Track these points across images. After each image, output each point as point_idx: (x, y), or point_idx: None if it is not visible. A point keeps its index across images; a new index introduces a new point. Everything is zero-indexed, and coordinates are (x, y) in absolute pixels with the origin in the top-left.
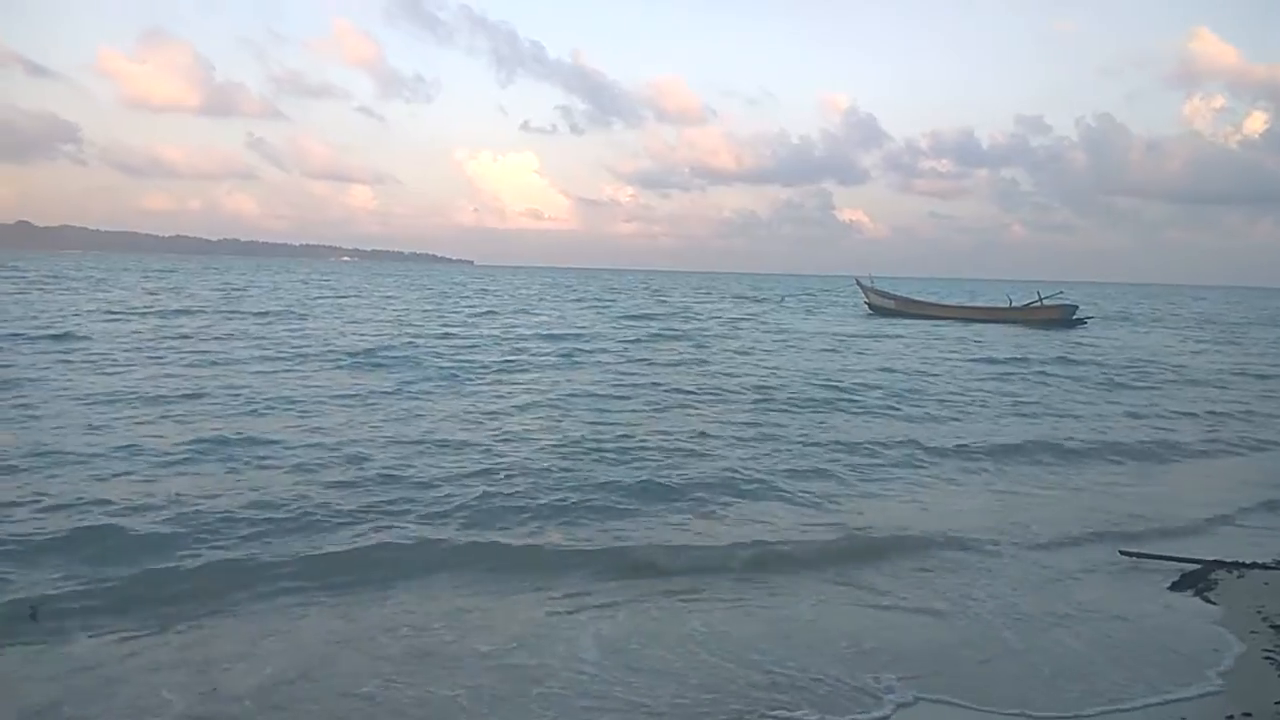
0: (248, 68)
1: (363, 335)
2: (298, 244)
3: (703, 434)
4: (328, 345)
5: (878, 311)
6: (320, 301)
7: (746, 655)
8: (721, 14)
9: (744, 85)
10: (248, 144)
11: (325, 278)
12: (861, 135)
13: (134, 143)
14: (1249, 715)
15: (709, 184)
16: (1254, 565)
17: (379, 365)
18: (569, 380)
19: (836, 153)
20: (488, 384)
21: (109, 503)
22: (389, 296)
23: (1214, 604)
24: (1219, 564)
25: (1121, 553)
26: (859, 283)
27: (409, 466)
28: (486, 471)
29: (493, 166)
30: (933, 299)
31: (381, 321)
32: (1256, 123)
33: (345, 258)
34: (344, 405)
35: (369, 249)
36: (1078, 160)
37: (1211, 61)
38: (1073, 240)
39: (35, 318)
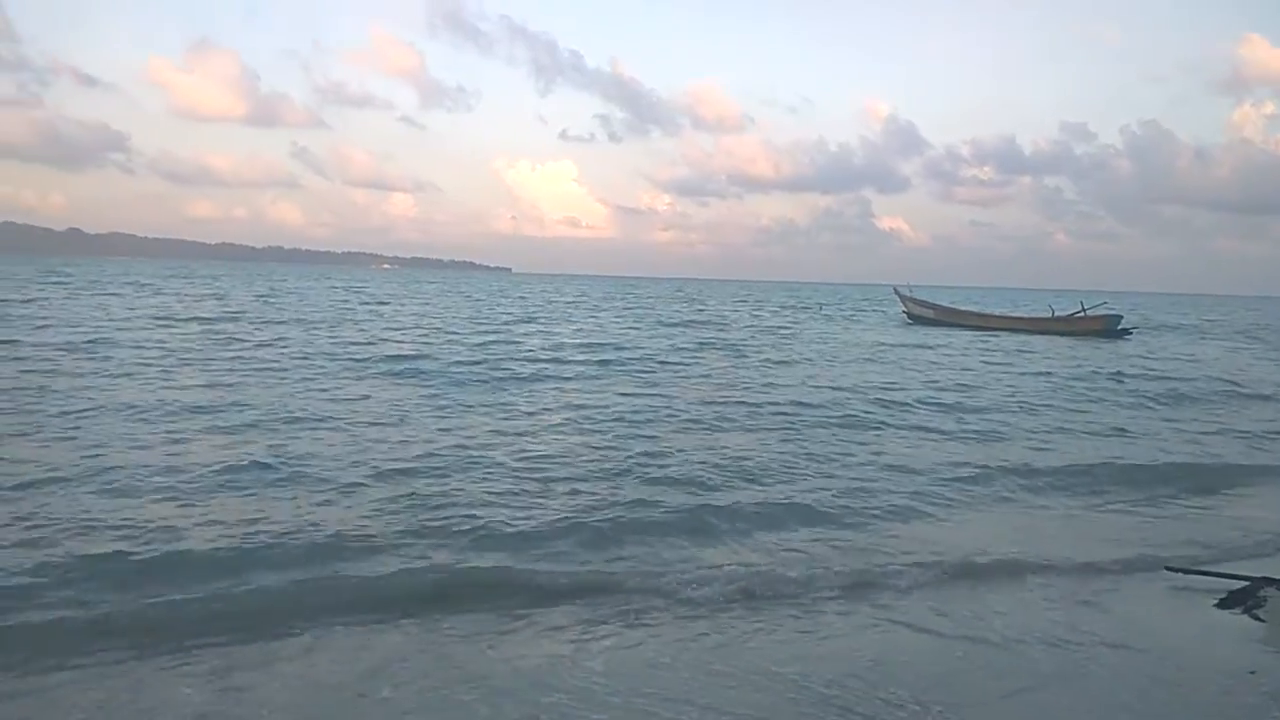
0: (292, 78)
1: (403, 343)
2: (340, 251)
3: (744, 453)
4: (368, 354)
5: (916, 320)
6: (360, 308)
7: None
8: (761, 21)
9: (783, 93)
10: (291, 153)
11: (365, 285)
12: (901, 142)
13: (181, 152)
14: None
15: (747, 192)
16: None
17: (418, 374)
18: (608, 392)
19: (876, 160)
20: (527, 395)
21: (149, 523)
22: (428, 304)
23: (1262, 621)
24: (1269, 581)
25: (1167, 569)
26: (897, 291)
27: (447, 482)
28: (529, 492)
29: (531, 175)
30: (973, 308)
31: (421, 329)
32: None
33: (385, 265)
34: (383, 417)
35: (409, 256)
36: (1123, 167)
37: (1262, 67)
38: (1118, 249)
39: (78, 325)
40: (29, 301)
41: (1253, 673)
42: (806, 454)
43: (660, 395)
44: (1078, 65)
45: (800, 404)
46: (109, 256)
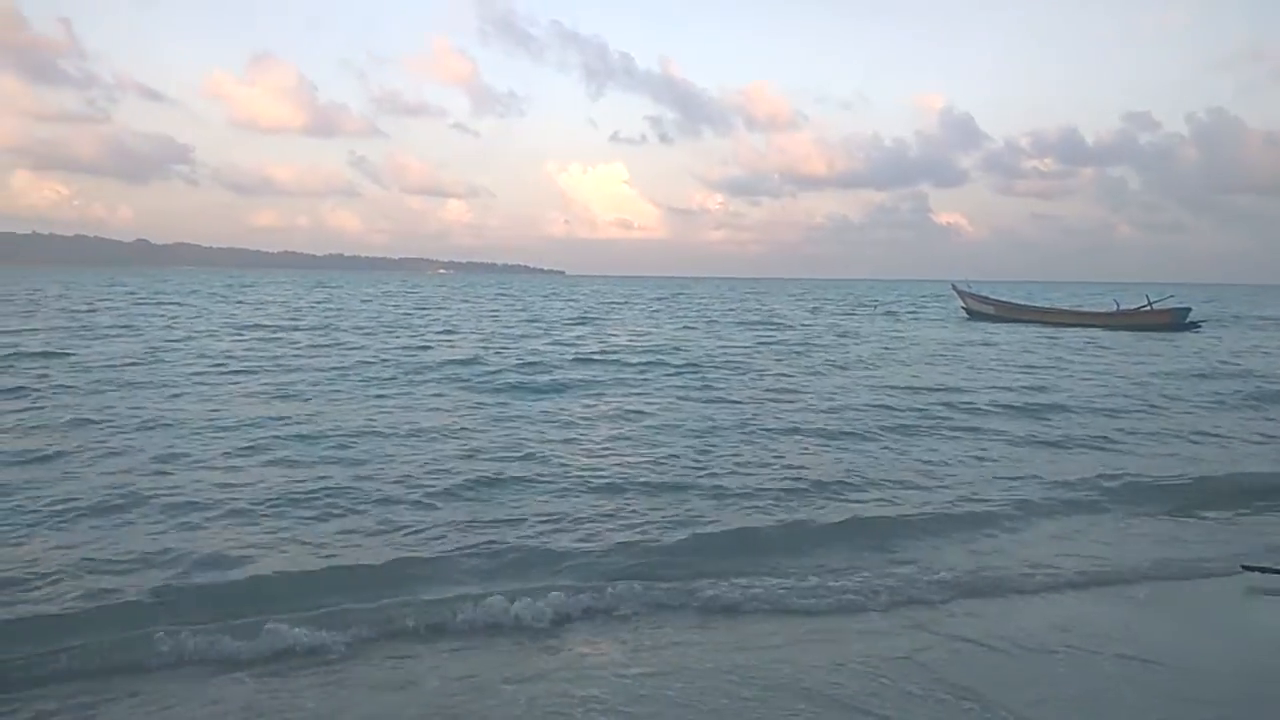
0: (349, 88)
1: (462, 349)
2: (396, 257)
3: (842, 461)
4: (429, 359)
5: (976, 316)
6: (421, 313)
7: None
8: (813, 17)
9: (837, 89)
10: (349, 162)
11: (421, 289)
12: (959, 136)
13: (243, 163)
14: None
15: (799, 190)
16: None
17: (481, 381)
18: (671, 397)
19: (932, 154)
20: (588, 401)
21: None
22: (490, 308)
23: None
24: None
25: (1244, 567)
26: (955, 288)
27: (514, 497)
28: (594, 506)
29: (583, 178)
30: (1034, 303)
31: (481, 334)
32: None
33: (441, 270)
34: (446, 427)
35: (463, 261)
36: (1189, 156)
37: None
38: (1185, 240)
39: (139, 332)
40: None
41: None
42: (906, 461)
43: (728, 401)
44: (1141, 52)
45: (881, 407)
46: (176, 266)
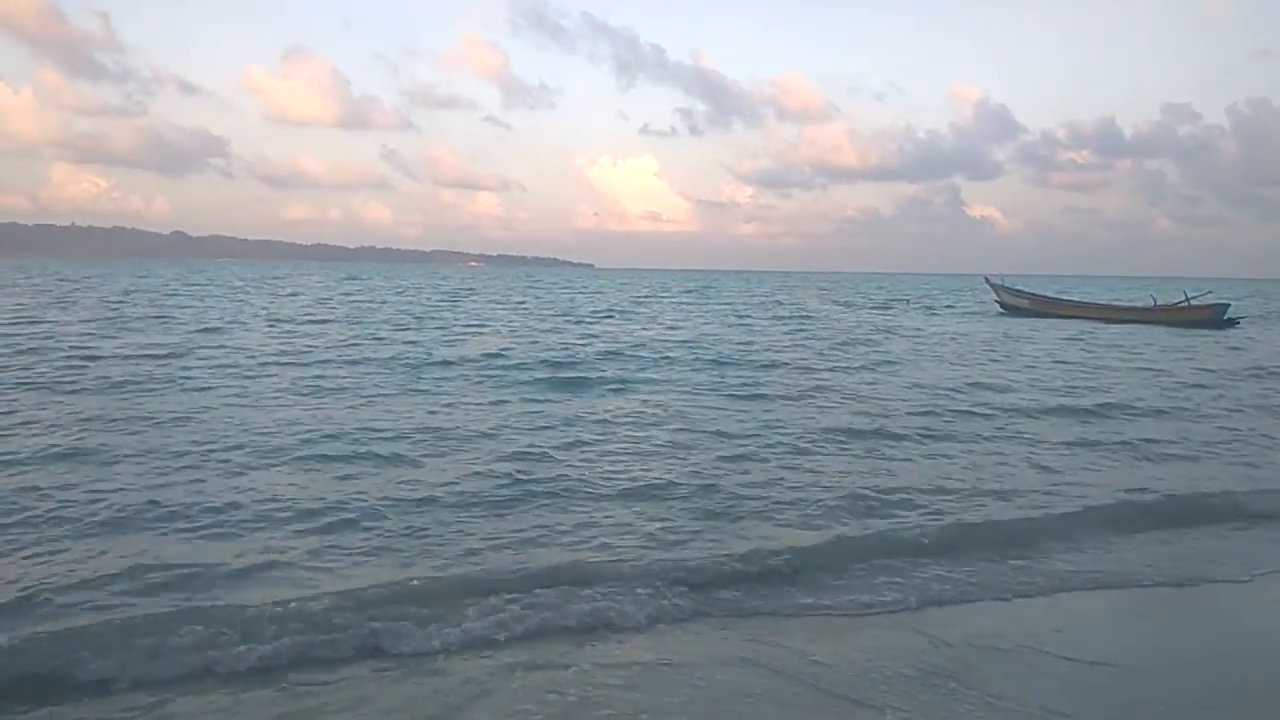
0: (382, 82)
1: (500, 345)
2: (428, 250)
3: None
4: (467, 355)
5: (1010, 311)
6: (456, 306)
7: None
8: (846, 7)
9: (870, 80)
10: (382, 155)
11: (451, 281)
12: (994, 127)
13: (278, 156)
14: None
15: (831, 182)
16: None
17: (513, 376)
18: (709, 395)
19: (966, 146)
20: (634, 398)
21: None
22: (521, 301)
23: None
24: None
25: None
26: (988, 281)
27: (554, 509)
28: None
29: (613, 170)
30: (1069, 297)
31: (518, 330)
32: None
33: (473, 263)
34: (495, 427)
35: (494, 254)
36: (1230, 149)
37: None
38: (1226, 234)
39: (168, 325)
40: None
41: None
42: (963, 466)
43: (777, 399)
44: (1182, 43)
45: (925, 413)
46: (212, 258)
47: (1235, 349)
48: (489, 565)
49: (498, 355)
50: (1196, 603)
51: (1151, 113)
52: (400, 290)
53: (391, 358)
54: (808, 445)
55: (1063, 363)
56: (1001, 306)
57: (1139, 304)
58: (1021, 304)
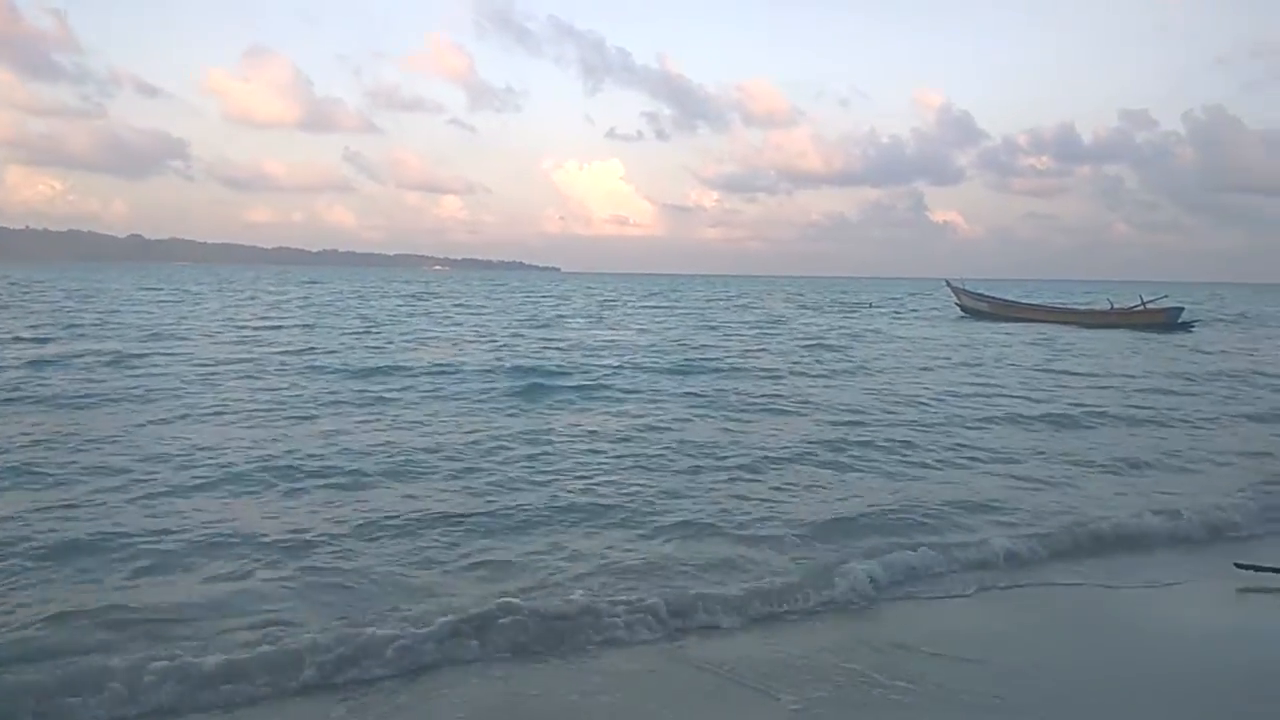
0: (345, 83)
1: (458, 352)
2: (392, 254)
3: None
4: (421, 362)
5: (970, 314)
6: (418, 311)
7: None
8: (810, 11)
9: (834, 85)
10: (345, 157)
11: (414, 285)
12: (956, 133)
13: (238, 158)
14: None
15: (796, 187)
16: None
17: (487, 387)
18: (679, 406)
19: (929, 152)
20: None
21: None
22: (482, 305)
23: None
24: None
25: (1236, 565)
26: (950, 285)
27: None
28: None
29: (579, 174)
30: (1029, 301)
31: (481, 336)
32: None
33: (437, 266)
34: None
35: (459, 258)
36: (1186, 155)
37: None
38: (1182, 240)
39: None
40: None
41: None
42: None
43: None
44: (1139, 50)
45: (893, 422)
46: (170, 262)
47: (1187, 350)
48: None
49: (454, 364)
50: (1117, 607)
51: (1110, 119)
52: (361, 295)
53: (343, 366)
54: (770, 460)
55: (1016, 366)
56: (962, 310)
57: (1097, 307)
58: (982, 307)
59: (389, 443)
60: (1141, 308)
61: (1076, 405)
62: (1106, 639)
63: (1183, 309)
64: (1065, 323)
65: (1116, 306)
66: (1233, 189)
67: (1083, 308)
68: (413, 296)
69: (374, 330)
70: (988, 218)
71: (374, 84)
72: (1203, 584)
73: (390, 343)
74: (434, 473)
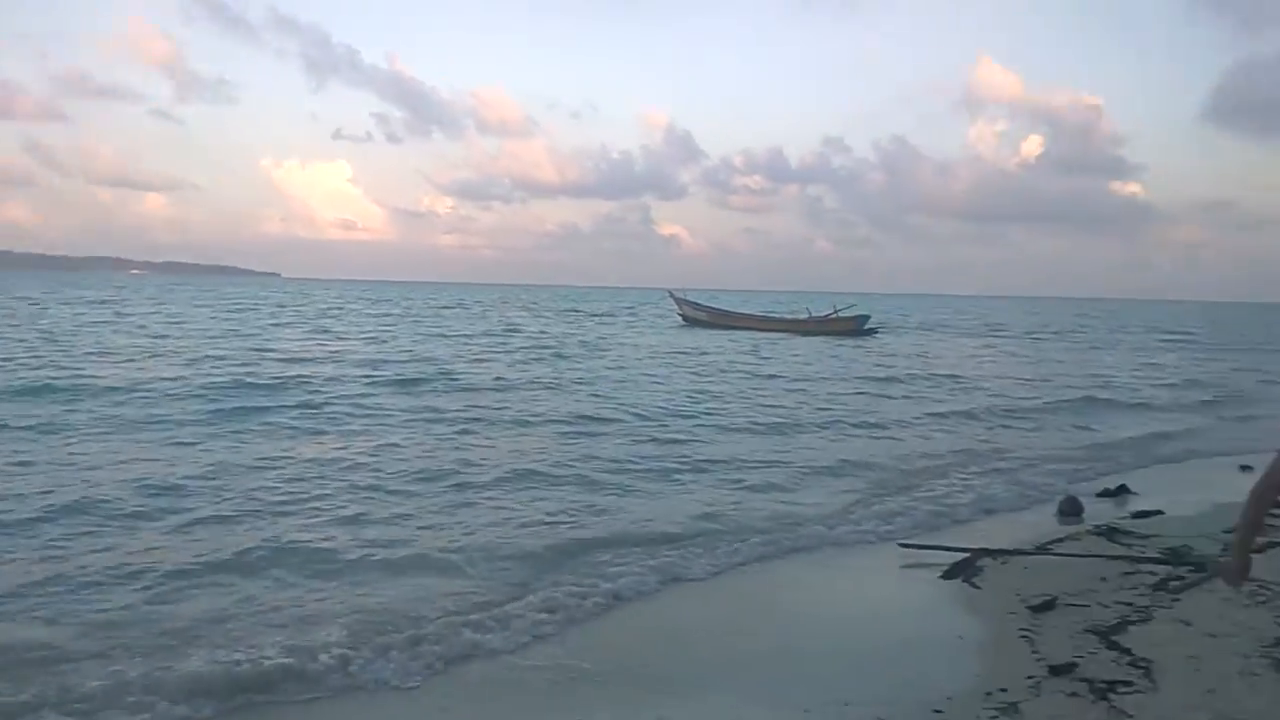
0: (27, 65)
1: (156, 368)
2: (80, 256)
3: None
4: (122, 384)
5: (691, 323)
6: (107, 320)
7: None
8: (542, 23)
9: (567, 98)
10: (24, 147)
11: (106, 291)
12: (679, 152)
13: None
14: (1005, 690)
15: (531, 196)
16: (1016, 551)
17: (170, 412)
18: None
19: (656, 168)
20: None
21: None
22: (182, 316)
23: (979, 588)
24: (986, 552)
25: (900, 545)
26: (672, 295)
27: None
28: None
29: (301, 174)
30: (741, 310)
31: (169, 350)
32: (1033, 146)
33: (135, 270)
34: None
35: (161, 261)
36: (876, 179)
37: (995, 88)
38: (874, 255)
39: None
40: None
41: (961, 637)
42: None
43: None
44: (841, 80)
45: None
46: None
47: (881, 353)
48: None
49: (138, 382)
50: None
51: (813, 144)
52: (39, 302)
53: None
54: (500, 480)
55: (727, 372)
56: (684, 319)
57: (799, 316)
58: (700, 316)
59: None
60: (835, 316)
61: (773, 409)
62: (785, 616)
63: (869, 317)
64: (771, 330)
65: (814, 315)
66: (914, 210)
67: (788, 317)
68: (99, 303)
69: (51, 342)
70: (710, 232)
71: (62, 68)
72: (873, 563)
73: (62, 357)
74: (109, 517)
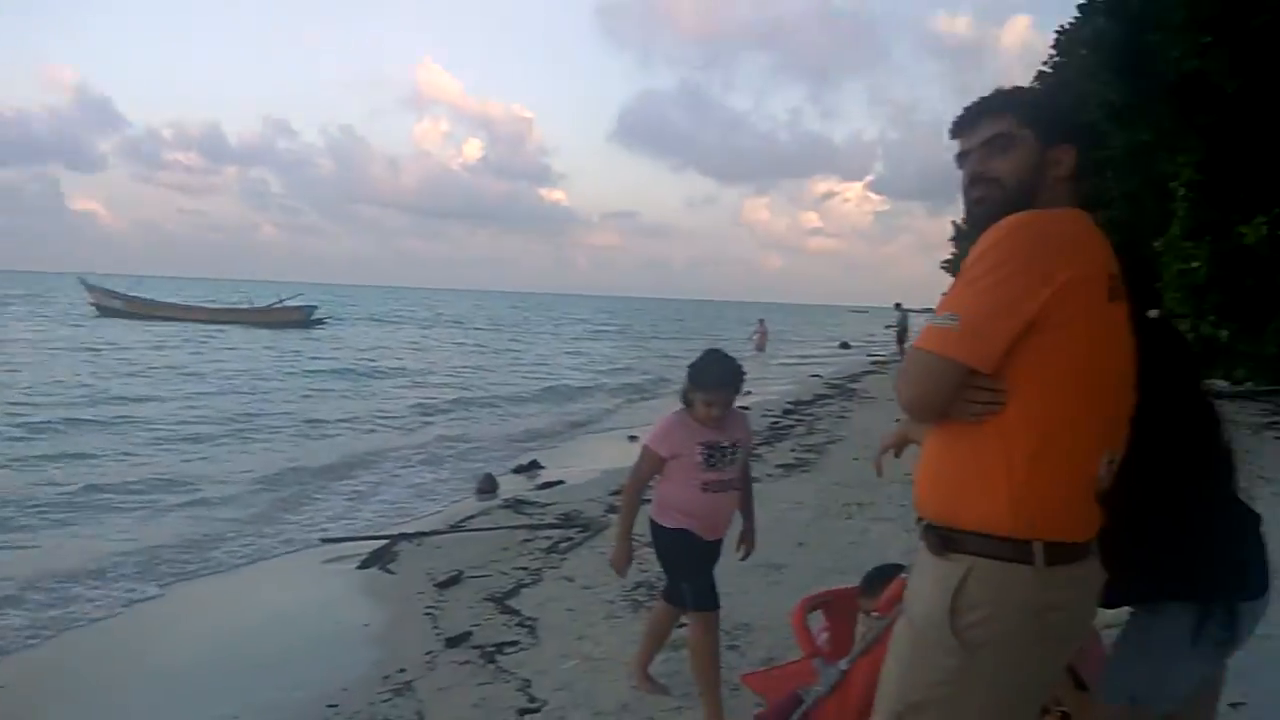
0: None
1: None
2: None
3: None
4: None
5: (107, 314)
6: None
7: None
8: None
9: None
10: None
11: None
12: (96, 117)
13: None
14: (403, 670)
15: None
16: (431, 533)
17: None
18: None
19: (66, 133)
20: None
21: None
22: None
23: (394, 573)
24: (403, 536)
25: (322, 540)
26: (84, 282)
27: None
28: None
29: None
30: (170, 300)
31: None
32: (474, 149)
33: None
34: None
35: None
36: (326, 167)
37: (438, 90)
38: (324, 244)
39: None
40: None
41: (366, 625)
42: None
43: None
44: (283, 62)
45: None
46: None
47: (322, 343)
48: None
49: None
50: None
51: (255, 124)
52: None
53: None
54: None
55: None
56: (98, 309)
57: (241, 306)
58: (116, 305)
59: None
60: (280, 306)
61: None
62: (189, 641)
63: (316, 307)
64: (209, 321)
65: (256, 305)
66: (365, 201)
67: (227, 306)
68: None
69: None
70: (135, 210)
71: None
72: (292, 564)
73: None
74: None
